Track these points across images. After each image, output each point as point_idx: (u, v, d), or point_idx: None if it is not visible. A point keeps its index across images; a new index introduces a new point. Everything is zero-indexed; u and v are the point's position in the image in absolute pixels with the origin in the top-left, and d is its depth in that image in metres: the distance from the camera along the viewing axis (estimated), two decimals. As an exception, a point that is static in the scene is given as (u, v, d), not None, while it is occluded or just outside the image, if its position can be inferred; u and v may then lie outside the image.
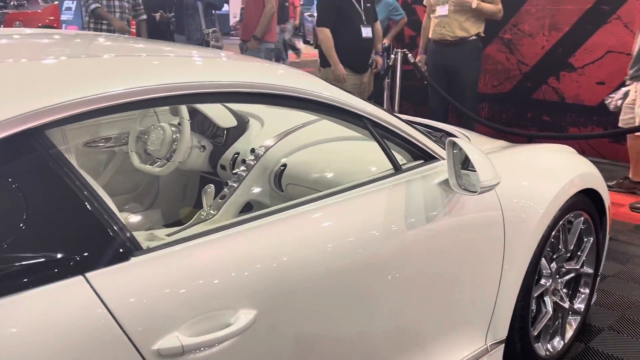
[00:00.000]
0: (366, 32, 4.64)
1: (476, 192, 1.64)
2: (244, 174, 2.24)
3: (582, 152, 2.66)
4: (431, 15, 5.00)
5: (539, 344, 2.19)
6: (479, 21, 4.84)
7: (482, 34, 4.92)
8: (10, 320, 0.99)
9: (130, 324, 1.09)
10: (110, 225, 1.14)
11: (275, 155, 2.28)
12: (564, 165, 2.27)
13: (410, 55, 4.86)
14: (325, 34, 4.49)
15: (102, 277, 1.10)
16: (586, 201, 2.27)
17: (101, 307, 1.07)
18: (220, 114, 2.54)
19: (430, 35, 5.01)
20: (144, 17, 6.58)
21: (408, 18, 6.27)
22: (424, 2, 5.19)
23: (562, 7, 5.50)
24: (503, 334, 1.98)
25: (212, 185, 2.26)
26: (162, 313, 1.14)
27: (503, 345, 2.00)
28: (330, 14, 4.53)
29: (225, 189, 2.23)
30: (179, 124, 2.47)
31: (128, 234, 1.16)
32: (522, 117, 6.01)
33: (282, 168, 2.23)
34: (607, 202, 2.42)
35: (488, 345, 1.94)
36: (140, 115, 2.60)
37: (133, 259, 1.15)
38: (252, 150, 2.33)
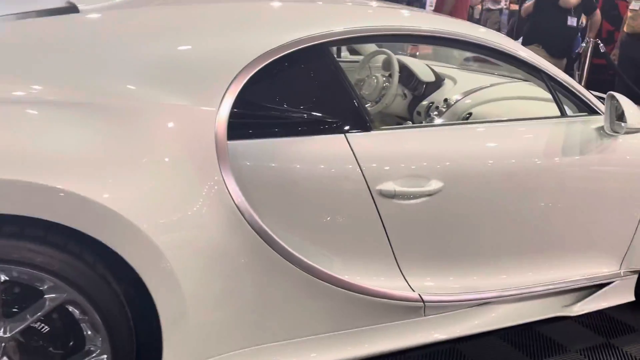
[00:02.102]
0: (571, 21, 5.04)
1: (620, 132, 2.09)
2: (437, 118, 2.85)
3: None
4: (628, 8, 5.15)
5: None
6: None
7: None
8: (304, 151, 1.72)
9: (366, 169, 1.77)
10: (364, 109, 1.83)
11: (463, 105, 2.85)
12: None
13: (601, 45, 5.07)
14: None
15: (355, 138, 1.78)
16: None
17: (351, 155, 1.76)
18: (422, 70, 3.16)
19: (624, 29, 5.16)
20: None
21: (609, 13, 6.36)
22: (627, -4, 5.35)
23: None
24: (637, 265, 2.38)
25: (410, 122, 2.91)
26: (385, 168, 1.81)
27: (636, 276, 2.39)
28: None
29: (420, 128, 2.86)
30: (389, 75, 3.13)
31: (371, 117, 1.84)
32: None
33: (467, 115, 2.79)
34: None
35: (622, 271, 2.35)
36: (359, 67, 3.31)
37: (373, 132, 1.82)
38: (445, 100, 2.92)
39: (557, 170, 2.11)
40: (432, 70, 3.20)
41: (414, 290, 1.92)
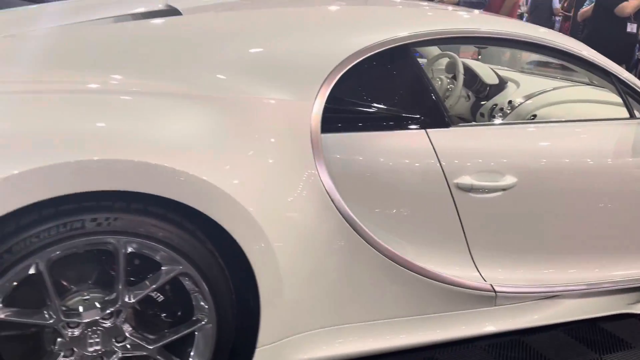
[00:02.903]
0: (631, 27, 5.04)
1: None
2: (501, 119, 2.93)
3: None
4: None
5: None
6: None
7: None
8: (388, 145, 1.84)
9: (445, 164, 1.88)
10: (443, 106, 1.94)
11: (527, 107, 2.92)
12: None
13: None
14: None
15: (435, 133, 1.90)
16: None
17: (431, 149, 1.88)
18: (486, 73, 3.25)
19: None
20: None
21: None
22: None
23: None
24: None
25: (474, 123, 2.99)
26: (463, 163, 1.91)
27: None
28: None
29: (484, 128, 2.94)
30: (453, 77, 3.23)
31: (449, 114, 1.95)
32: None
33: (532, 117, 2.87)
34: None
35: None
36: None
37: (451, 128, 1.94)
38: (510, 102, 3.00)
39: (626, 170, 2.17)
40: (495, 73, 3.28)
41: (485, 281, 2.01)
